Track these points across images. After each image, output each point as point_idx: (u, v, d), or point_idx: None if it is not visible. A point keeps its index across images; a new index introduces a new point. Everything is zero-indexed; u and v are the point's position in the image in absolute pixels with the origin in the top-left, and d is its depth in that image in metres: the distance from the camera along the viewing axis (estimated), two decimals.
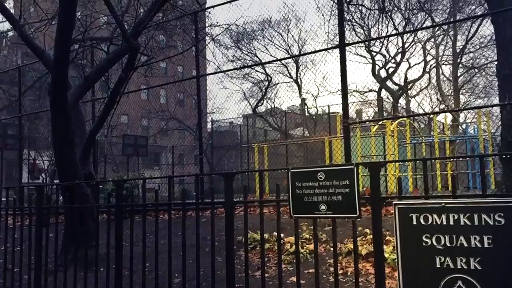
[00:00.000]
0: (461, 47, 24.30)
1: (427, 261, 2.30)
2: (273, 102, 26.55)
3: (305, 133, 24.12)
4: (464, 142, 17.27)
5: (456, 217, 2.26)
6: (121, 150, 14.51)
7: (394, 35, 23.72)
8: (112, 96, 6.24)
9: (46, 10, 7.12)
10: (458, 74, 25.03)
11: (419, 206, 2.37)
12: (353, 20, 18.73)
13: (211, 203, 3.29)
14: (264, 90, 25.36)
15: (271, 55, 25.41)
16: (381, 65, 24.87)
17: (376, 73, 24.64)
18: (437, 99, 27.33)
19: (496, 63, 8.30)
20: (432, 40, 24.82)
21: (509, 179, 5.69)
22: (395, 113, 19.70)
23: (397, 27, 21.38)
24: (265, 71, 24.64)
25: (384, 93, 25.17)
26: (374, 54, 24.04)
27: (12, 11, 8.49)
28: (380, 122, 13.85)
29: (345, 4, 7.16)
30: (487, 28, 22.59)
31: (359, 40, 19.63)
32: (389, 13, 18.49)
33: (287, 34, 26.54)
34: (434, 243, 2.29)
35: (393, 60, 24.89)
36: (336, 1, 7.25)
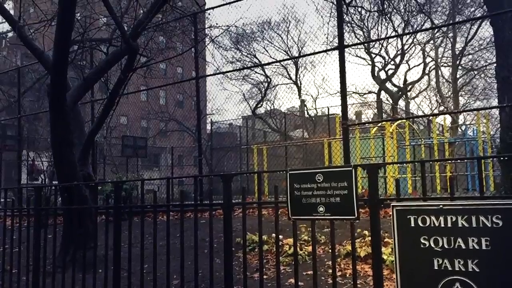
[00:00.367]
0: (460, 49, 24.35)
1: (425, 263, 2.30)
2: (273, 104, 26.60)
3: (305, 135, 24.12)
4: (464, 144, 17.28)
5: (454, 219, 2.26)
6: (120, 151, 14.50)
7: (393, 36, 23.80)
8: (111, 97, 6.24)
9: (45, 11, 7.13)
10: (457, 76, 25.08)
11: (417, 208, 2.37)
12: (352, 22, 18.76)
13: (209, 204, 3.29)
14: (263, 92, 25.39)
15: (270, 57, 25.46)
16: (380, 67, 24.93)
17: (376, 74, 24.69)
18: (437, 101, 27.38)
19: (495, 65, 8.31)
20: (432, 42, 24.87)
21: (507, 181, 5.69)
22: (395, 115, 19.71)
23: (396, 29, 21.43)
24: (264, 72, 24.69)
25: (383, 95, 25.22)
26: (373, 55, 24.10)
27: (12, 12, 8.49)
28: (380, 124, 13.86)
29: (344, 6, 7.16)
30: (485, 31, 22.65)
31: (359, 42, 19.67)
32: (389, 15, 18.51)
33: (287, 36, 26.56)
34: (432, 245, 2.29)
35: (392, 62, 24.94)
36: (335, 3, 7.26)
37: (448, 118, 23.45)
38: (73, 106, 6.24)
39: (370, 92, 26.10)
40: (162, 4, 5.83)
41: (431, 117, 17.10)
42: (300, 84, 25.64)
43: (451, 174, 14.44)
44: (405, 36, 23.31)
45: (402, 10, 19.73)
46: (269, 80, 25.00)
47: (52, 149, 5.94)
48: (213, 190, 3.60)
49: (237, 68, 24.45)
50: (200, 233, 3.94)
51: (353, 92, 25.59)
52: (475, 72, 25.12)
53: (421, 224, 2.33)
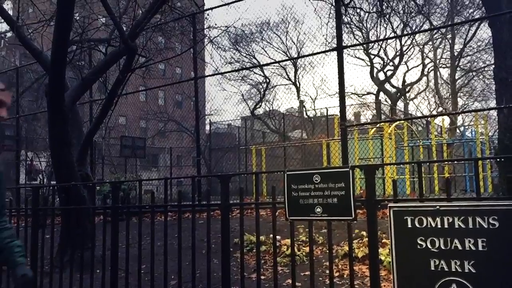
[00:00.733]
0: (459, 50, 24.40)
1: (421, 263, 2.30)
2: (272, 104, 26.61)
3: (303, 136, 24.13)
4: (462, 145, 17.31)
5: (450, 220, 2.26)
6: (119, 152, 14.49)
7: (392, 38, 23.84)
8: (109, 98, 6.24)
9: (44, 11, 7.12)
10: (456, 77, 25.12)
11: (414, 209, 2.38)
12: (351, 23, 18.79)
13: (207, 205, 3.29)
14: (262, 92, 25.40)
15: (269, 57, 25.49)
16: (379, 68, 24.96)
17: (374, 75, 24.71)
18: (435, 102, 27.42)
19: (493, 66, 8.32)
20: (430, 43, 24.91)
21: (505, 182, 5.70)
22: (393, 116, 19.72)
23: (395, 30, 21.46)
24: (263, 73, 24.70)
25: (382, 96, 25.25)
26: (372, 57, 24.13)
27: (10, 12, 8.49)
28: (378, 125, 13.87)
29: (343, 7, 7.16)
30: (484, 32, 22.70)
31: (358, 43, 19.68)
32: (387, 16, 18.54)
33: (286, 37, 26.60)
34: (429, 246, 2.30)
35: (391, 63, 24.98)
36: (333, 4, 7.26)
37: (447, 119, 23.51)
38: (72, 106, 6.24)
39: (369, 93, 26.15)
40: (160, 5, 5.83)
41: (429, 118, 17.12)
42: (299, 84, 25.69)
43: (449, 175, 14.46)
44: (403, 37, 23.34)
45: (401, 12, 19.78)
46: (268, 80, 25.04)
47: (50, 149, 5.94)
48: (211, 191, 3.61)
49: (236, 68, 24.46)
50: (198, 233, 3.94)
51: (352, 93, 25.63)
52: (474, 74, 25.18)
53: (418, 225, 2.34)
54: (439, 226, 2.29)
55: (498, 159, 6.53)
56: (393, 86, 25.58)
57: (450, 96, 25.48)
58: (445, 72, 27.44)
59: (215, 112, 26.12)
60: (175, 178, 15.26)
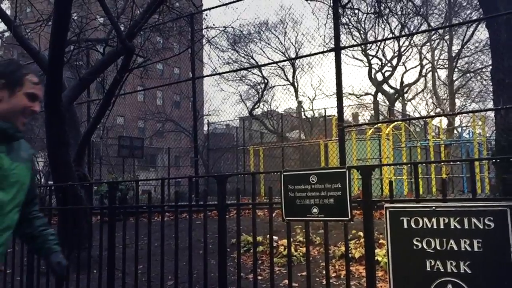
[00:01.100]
0: (456, 51, 24.45)
1: (417, 264, 2.31)
2: (270, 105, 26.63)
3: (301, 136, 24.15)
4: (460, 146, 17.34)
5: (446, 220, 2.27)
6: (116, 152, 14.47)
7: (389, 38, 23.85)
8: (107, 98, 6.23)
9: (41, 11, 7.11)
10: (454, 78, 25.17)
11: (410, 209, 2.38)
12: (350, 24, 18.80)
13: (203, 205, 3.29)
14: (260, 93, 25.42)
15: (268, 58, 25.51)
16: (377, 69, 25.00)
17: (373, 76, 24.75)
18: (433, 103, 27.48)
19: (490, 67, 8.34)
20: (428, 44, 24.96)
21: (500, 183, 5.71)
22: (391, 117, 19.75)
23: (393, 31, 21.49)
24: (261, 73, 24.71)
25: (380, 97, 25.29)
26: (370, 57, 24.17)
27: (8, 12, 8.47)
28: (376, 126, 13.89)
29: (340, 8, 7.17)
30: (480, 33, 22.75)
31: (355, 43, 19.70)
32: (385, 17, 18.56)
33: (284, 37, 26.65)
34: (425, 246, 2.30)
35: (389, 64, 25.02)
36: (331, 5, 7.28)
37: (444, 120, 23.55)
38: (69, 106, 6.23)
39: (367, 94, 26.20)
40: (158, 5, 5.83)
41: (427, 119, 17.14)
42: (297, 85, 25.71)
43: (447, 176, 14.49)
44: (401, 38, 23.39)
45: (399, 13, 19.81)
46: (266, 81, 25.05)
47: (48, 149, 5.92)
48: (209, 191, 3.61)
49: (234, 69, 24.46)
50: (196, 233, 3.93)
51: (350, 94, 25.68)
52: (471, 75, 25.25)
53: (413, 226, 2.35)
54: (435, 226, 2.29)
55: (493, 160, 6.54)
56: (391, 87, 25.66)
57: (448, 97, 25.53)
58: (443, 73, 27.52)
59: (213, 113, 26.17)
60: (172, 179, 15.26)
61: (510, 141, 5.83)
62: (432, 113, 26.68)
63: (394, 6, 18.37)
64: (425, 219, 2.32)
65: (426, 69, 26.25)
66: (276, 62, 24.51)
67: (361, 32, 21.82)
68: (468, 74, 25.46)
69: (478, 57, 24.00)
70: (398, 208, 2.41)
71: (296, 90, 25.59)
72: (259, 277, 4.74)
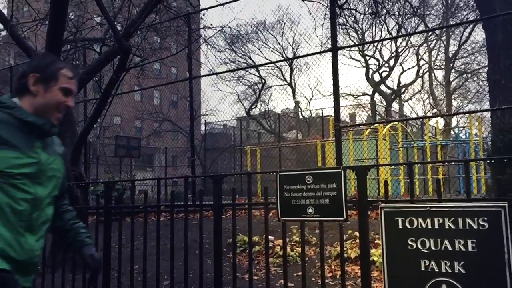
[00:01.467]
0: (453, 52, 24.53)
1: (412, 264, 2.31)
2: (267, 105, 26.65)
3: (299, 136, 24.17)
4: (457, 147, 17.39)
5: (441, 221, 2.28)
6: (113, 151, 14.44)
7: (386, 39, 23.88)
8: (103, 97, 6.21)
9: (38, 10, 7.09)
10: (451, 79, 25.24)
11: (405, 209, 2.39)
12: (347, 24, 18.83)
13: (199, 205, 3.29)
14: (258, 93, 25.43)
15: (265, 58, 25.53)
16: (374, 69, 25.04)
17: (370, 77, 24.79)
18: (430, 103, 27.55)
19: (487, 68, 8.36)
20: (425, 45, 25.03)
21: (497, 184, 5.72)
22: (388, 117, 19.79)
23: (390, 32, 21.54)
24: (259, 73, 24.73)
25: (377, 97, 25.34)
26: (367, 58, 24.20)
27: (4, 11, 8.45)
28: (373, 126, 13.91)
29: (337, 8, 7.18)
30: (477, 34, 22.83)
31: (352, 44, 19.73)
32: (383, 17, 18.61)
33: (282, 37, 26.66)
34: (419, 246, 2.31)
35: (386, 64, 25.06)
36: (328, 5, 7.29)
37: (441, 121, 23.63)
38: None
39: (364, 94, 26.24)
40: (155, 4, 5.82)
41: (424, 120, 17.19)
42: (295, 85, 25.73)
43: (443, 176, 14.52)
44: (399, 38, 23.44)
45: (396, 13, 19.85)
46: (263, 81, 25.06)
47: None
48: (207, 191, 3.61)
49: (232, 69, 24.47)
50: (192, 233, 3.94)
51: (347, 94, 25.72)
52: (468, 75, 25.32)
53: (408, 226, 2.35)
54: (429, 227, 2.30)
55: (488, 161, 6.56)
56: (388, 88, 25.70)
57: (445, 97, 25.60)
58: (439, 74, 27.60)
59: (210, 112, 26.14)
60: (168, 178, 15.24)
61: (506, 142, 5.85)
62: (429, 114, 26.75)
63: (391, 6, 18.43)
64: (420, 220, 2.33)
65: (423, 70, 26.34)
66: (274, 62, 24.57)
67: (359, 32, 21.86)
68: (465, 75, 25.54)
69: (475, 58, 24.11)
70: (393, 208, 2.42)
71: (293, 90, 25.63)
72: (255, 277, 4.74)
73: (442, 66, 25.95)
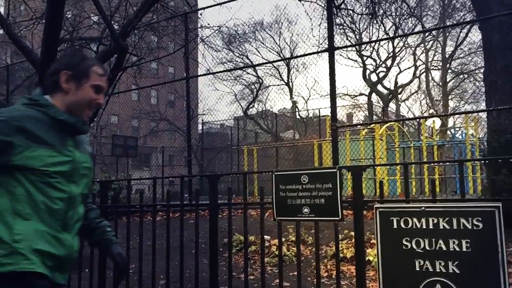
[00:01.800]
0: (450, 52, 24.60)
1: (406, 264, 2.32)
2: (264, 105, 26.65)
3: (296, 136, 24.18)
4: (453, 147, 17.43)
5: (435, 221, 2.29)
6: (110, 151, 14.41)
7: (383, 39, 23.93)
8: None
9: (34, 9, 7.08)
10: (447, 80, 25.32)
11: (399, 209, 2.40)
12: (344, 24, 18.83)
13: (195, 205, 3.29)
14: (255, 93, 25.43)
15: (262, 58, 25.53)
16: (371, 69, 25.09)
17: (367, 77, 24.83)
18: (426, 103, 27.62)
19: (483, 69, 8.39)
20: (422, 45, 25.09)
21: (491, 184, 5.75)
22: (384, 117, 19.83)
23: (387, 32, 21.58)
24: (256, 73, 24.73)
25: (374, 97, 25.39)
26: (365, 58, 24.25)
27: (1, 9, 8.43)
28: (370, 126, 13.93)
29: (334, 8, 7.19)
30: (473, 35, 22.91)
31: (349, 44, 19.75)
32: (380, 18, 18.63)
33: (279, 37, 26.69)
34: (414, 246, 2.32)
35: (383, 65, 25.11)
36: (325, 6, 7.29)
37: (438, 121, 23.68)
38: None
39: (361, 94, 26.29)
40: (152, 4, 5.82)
41: (420, 120, 17.21)
42: (292, 85, 25.74)
43: (440, 176, 14.56)
44: (396, 39, 23.49)
45: (393, 14, 19.88)
46: (261, 81, 25.07)
47: None
48: (204, 191, 3.61)
49: (229, 68, 24.45)
50: (188, 233, 3.93)
51: (344, 94, 25.76)
52: (465, 76, 25.41)
53: (403, 226, 2.36)
54: (424, 227, 2.31)
55: (482, 161, 6.59)
56: (385, 88, 25.75)
57: (441, 98, 25.67)
58: (436, 75, 27.68)
59: (207, 112, 26.12)
60: (163, 178, 15.20)
61: (501, 142, 5.88)
62: (425, 114, 26.82)
63: (389, 7, 18.46)
64: (415, 219, 2.34)
65: (420, 70, 26.41)
66: (271, 62, 24.56)
67: (356, 32, 21.88)
68: (462, 76, 25.62)
69: (471, 59, 24.20)
70: (388, 208, 2.43)
71: (290, 90, 25.64)
72: (251, 277, 4.75)
73: (439, 67, 26.03)
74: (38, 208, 1.69)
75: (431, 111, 26.10)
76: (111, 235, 2.10)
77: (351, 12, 13.12)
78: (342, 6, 8.75)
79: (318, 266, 2.76)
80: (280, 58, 25.35)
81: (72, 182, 1.80)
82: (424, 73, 26.46)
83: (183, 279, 3.33)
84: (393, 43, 23.46)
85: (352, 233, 5.31)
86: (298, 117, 25.61)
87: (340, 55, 23.46)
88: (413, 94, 28.15)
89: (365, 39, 21.69)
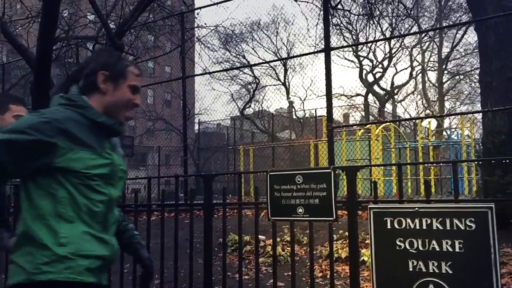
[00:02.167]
0: (446, 54, 24.68)
1: (400, 264, 2.33)
2: (261, 105, 26.65)
3: (292, 136, 24.20)
4: (448, 148, 17.50)
5: (429, 221, 2.29)
6: None
7: (380, 40, 23.97)
8: None
9: (30, 7, 7.05)
10: (443, 80, 25.40)
11: (393, 210, 2.40)
12: (341, 25, 18.85)
13: (190, 204, 3.29)
14: (252, 92, 25.41)
15: (259, 57, 25.52)
16: (368, 70, 25.13)
17: (364, 77, 24.87)
18: (423, 104, 27.70)
19: (479, 70, 8.42)
20: (418, 46, 25.16)
21: (484, 185, 5.78)
22: (379, 118, 19.88)
23: (384, 33, 21.62)
24: (253, 73, 24.72)
25: (371, 98, 25.44)
26: (361, 59, 24.29)
27: None
28: (366, 126, 13.97)
29: (331, 9, 7.20)
30: (469, 36, 22.99)
31: (346, 44, 19.78)
32: (377, 19, 18.67)
33: (276, 37, 26.70)
34: (407, 247, 2.33)
35: (380, 65, 25.17)
36: (321, 7, 7.31)
37: (434, 122, 23.76)
38: None
39: (358, 95, 26.33)
40: (148, 3, 5.80)
41: (417, 121, 17.27)
42: (289, 85, 25.75)
43: (435, 177, 14.61)
44: (392, 40, 23.55)
45: (390, 15, 19.93)
46: (257, 81, 25.06)
47: None
48: (200, 190, 3.60)
49: (225, 68, 24.44)
50: (184, 233, 3.93)
51: (341, 95, 25.79)
52: (461, 77, 25.50)
53: (397, 226, 2.37)
54: (417, 227, 2.32)
55: (476, 162, 6.61)
56: (381, 88, 25.80)
57: (438, 99, 25.76)
58: (433, 75, 27.76)
59: (204, 112, 26.09)
60: (159, 178, 15.20)
61: (496, 143, 5.90)
62: (421, 115, 26.90)
63: (385, 8, 18.51)
64: (408, 220, 2.34)
65: (416, 71, 26.48)
66: (268, 62, 24.54)
67: (352, 33, 21.91)
68: (458, 77, 25.72)
69: (467, 60, 24.30)
70: (382, 208, 2.43)
71: (287, 90, 25.64)
72: (246, 277, 4.75)
73: (435, 68, 26.12)
74: (80, 211, 1.67)
75: (427, 111, 26.18)
76: (139, 238, 2.08)
77: (347, 12, 13.14)
78: (339, 6, 8.77)
79: (312, 266, 2.76)
80: (277, 58, 25.36)
81: (110, 185, 1.77)
82: (421, 74, 26.55)
83: (177, 279, 3.33)
84: (389, 44, 23.52)
85: (347, 233, 5.33)
86: (294, 117, 25.63)
87: (337, 55, 23.52)
88: (409, 94, 28.27)
89: (361, 40, 21.72)
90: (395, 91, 26.55)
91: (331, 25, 8.09)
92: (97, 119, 1.75)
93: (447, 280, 2.22)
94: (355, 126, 15.95)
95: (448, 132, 20.44)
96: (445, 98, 25.87)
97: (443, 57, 24.81)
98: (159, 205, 3.49)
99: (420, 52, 25.69)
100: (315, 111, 20.97)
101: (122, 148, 1.98)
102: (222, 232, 3.35)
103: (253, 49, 28.13)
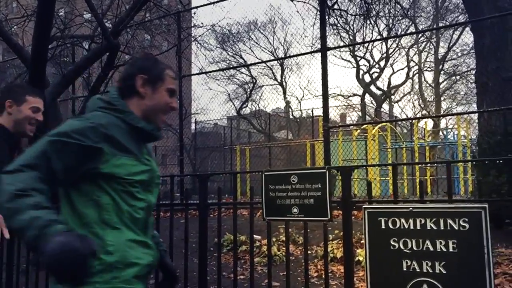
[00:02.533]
0: (443, 54, 24.76)
1: (394, 264, 2.33)
2: (258, 104, 26.65)
3: (289, 136, 24.21)
4: (444, 148, 17.55)
5: (423, 221, 2.30)
6: None
7: (376, 40, 24.02)
8: (91, 95, 6.18)
9: (26, 6, 7.03)
10: (440, 81, 25.47)
11: (387, 210, 2.41)
12: (338, 25, 18.86)
13: (185, 204, 3.29)
14: (249, 92, 25.41)
15: (256, 57, 25.53)
16: (365, 70, 25.18)
17: (360, 77, 24.91)
18: (419, 105, 27.76)
19: (475, 71, 8.45)
20: (415, 46, 25.23)
21: (478, 185, 5.80)
22: (375, 118, 19.92)
23: (381, 33, 21.66)
24: (250, 73, 24.71)
25: (368, 98, 25.48)
26: (358, 59, 24.32)
27: None
28: (362, 127, 13.99)
29: (327, 9, 7.20)
30: (465, 37, 23.09)
31: (342, 44, 19.79)
32: (373, 18, 18.69)
33: (273, 37, 26.70)
34: (401, 247, 2.33)
35: (377, 66, 25.21)
36: (318, 7, 7.31)
37: (431, 122, 23.83)
38: (52, 103, 6.16)
39: (354, 95, 26.38)
40: (144, 2, 5.80)
41: (413, 121, 17.30)
42: (286, 85, 25.77)
43: (432, 177, 14.65)
44: (389, 40, 23.60)
45: (387, 15, 19.96)
46: (254, 80, 25.05)
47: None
48: (196, 190, 3.58)
49: (222, 68, 24.43)
50: (179, 232, 3.92)
51: (338, 95, 25.82)
52: (458, 77, 25.59)
53: (391, 226, 2.37)
54: (411, 227, 2.32)
55: (470, 162, 6.63)
56: (378, 89, 25.85)
57: (434, 99, 25.83)
58: (429, 76, 27.83)
59: (201, 111, 26.04)
60: None
61: (491, 143, 5.92)
62: (418, 115, 26.96)
63: (382, 8, 18.53)
64: (402, 220, 2.34)
65: (413, 72, 26.54)
66: (265, 62, 24.51)
67: (349, 33, 21.94)
68: (454, 77, 25.80)
69: (464, 60, 24.38)
70: (376, 208, 2.43)
71: (284, 90, 25.66)
72: (242, 276, 4.75)
73: (432, 68, 26.18)
74: (123, 217, 1.65)
75: (424, 112, 26.26)
76: (164, 246, 2.07)
77: (344, 12, 13.14)
78: (335, 6, 8.78)
79: (307, 267, 2.76)
80: (273, 58, 25.37)
81: (148, 191, 1.76)
82: (417, 74, 26.62)
83: None
84: (386, 44, 23.58)
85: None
86: (291, 117, 25.64)
87: (334, 55, 23.55)
88: (406, 95, 28.32)
89: (358, 40, 21.76)
90: (392, 91, 26.61)
91: (327, 25, 8.10)
92: (136, 124, 1.73)
93: (441, 280, 2.22)
94: (352, 126, 15.97)
95: (445, 133, 20.50)
96: (442, 99, 25.97)
97: (439, 57, 24.89)
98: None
99: (417, 52, 25.77)
100: (312, 111, 21.01)
101: None
102: (217, 232, 3.35)
103: (250, 48, 28.14)
